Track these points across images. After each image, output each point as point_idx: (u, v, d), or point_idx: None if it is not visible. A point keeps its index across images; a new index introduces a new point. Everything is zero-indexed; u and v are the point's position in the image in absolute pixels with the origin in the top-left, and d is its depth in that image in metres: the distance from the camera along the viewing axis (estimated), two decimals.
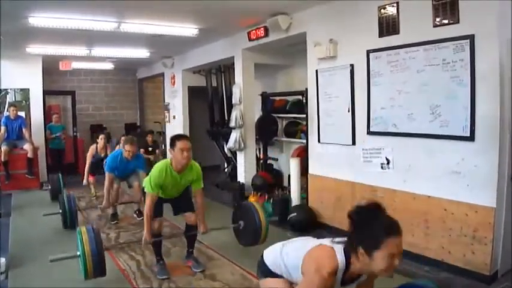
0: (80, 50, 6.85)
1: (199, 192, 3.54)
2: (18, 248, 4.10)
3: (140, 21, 5.03)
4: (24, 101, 7.68)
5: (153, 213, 3.34)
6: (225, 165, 7.82)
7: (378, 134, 3.90)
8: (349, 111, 4.21)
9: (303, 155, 5.48)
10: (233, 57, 6.24)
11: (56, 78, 9.49)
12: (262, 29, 5.29)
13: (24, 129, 7.15)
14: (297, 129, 6.25)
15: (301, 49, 4.94)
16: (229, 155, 7.44)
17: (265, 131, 6.51)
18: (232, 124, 6.14)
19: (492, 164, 3.01)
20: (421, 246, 3.52)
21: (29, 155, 7.01)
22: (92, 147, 6.13)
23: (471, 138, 3.10)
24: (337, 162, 4.42)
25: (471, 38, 3.03)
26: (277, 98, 6.60)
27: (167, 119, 9.10)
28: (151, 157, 7.66)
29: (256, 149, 6.53)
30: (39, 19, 4.65)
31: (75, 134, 9.62)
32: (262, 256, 2.10)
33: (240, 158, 6.38)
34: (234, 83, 6.38)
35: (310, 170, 4.89)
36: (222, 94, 7.40)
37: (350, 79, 4.16)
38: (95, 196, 6.33)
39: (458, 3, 3.10)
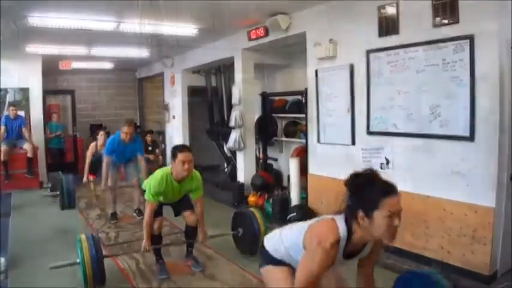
0: (80, 50, 6.84)
1: (199, 200, 3.52)
2: (18, 248, 4.10)
3: (140, 21, 5.02)
4: (23, 101, 7.66)
5: (153, 216, 3.35)
6: (225, 165, 7.82)
7: (377, 134, 3.90)
8: (348, 111, 4.20)
9: (302, 155, 5.48)
10: (233, 57, 6.24)
11: (56, 77, 9.49)
12: (262, 29, 5.29)
13: (23, 129, 7.15)
14: (297, 129, 6.26)
15: (301, 49, 4.94)
16: (229, 154, 7.44)
17: (265, 131, 6.51)
18: (231, 124, 6.14)
19: (492, 164, 3.01)
20: (420, 246, 3.52)
21: (29, 154, 7.01)
22: (92, 145, 6.11)
23: (471, 138, 3.10)
24: (336, 162, 4.42)
25: (471, 38, 3.03)
26: (277, 98, 6.60)
27: (167, 119, 9.11)
28: (150, 156, 7.66)
29: (255, 149, 6.54)
30: (39, 19, 4.64)
31: (74, 133, 9.62)
32: (263, 243, 2.11)
33: (240, 158, 6.38)
34: (234, 83, 6.38)
35: (310, 170, 4.89)
36: (222, 94, 7.40)
37: (350, 79, 4.16)
38: (95, 195, 6.32)
39: (458, 3, 3.10)
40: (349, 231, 1.71)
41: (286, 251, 1.93)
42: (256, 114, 6.53)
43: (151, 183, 3.30)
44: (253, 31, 5.47)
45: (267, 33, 5.27)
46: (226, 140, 6.64)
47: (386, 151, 3.82)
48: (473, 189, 3.13)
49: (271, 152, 6.82)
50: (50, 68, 8.26)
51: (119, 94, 10.64)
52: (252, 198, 5.70)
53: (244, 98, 6.12)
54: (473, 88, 3.06)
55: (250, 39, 5.59)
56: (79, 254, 3.03)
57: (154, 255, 3.53)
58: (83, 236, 3.15)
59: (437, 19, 3.25)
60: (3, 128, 6.97)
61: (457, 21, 3.12)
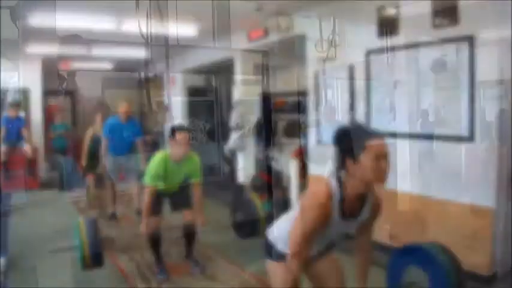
0: (80, 50, 6.84)
1: (197, 185, 3.52)
2: (18, 248, 4.10)
3: (140, 21, 5.02)
4: (23, 101, 7.66)
5: (152, 210, 3.33)
6: (225, 165, 7.81)
7: None
8: (348, 111, 4.21)
9: (302, 155, 5.48)
10: (233, 58, 6.23)
11: (56, 78, 9.47)
12: (262, 29, 5.29)
13: (23, 129, 7.14)
14: (297, 130, 6.25)
15: (301, 49, 4.93)
16: (229, 155, 7.44)
17: (265, 132, 6.51)
18: (231, 124, 6.14)
19: (492, 164, 3.01)
20: None
21: (29, 155, 7.01)
22: (89, 131, 5.58)
23: (471, 138, 3.10)
24: None
25: (471, 38, 3.03)
26: (277, 99, 6.60)
27: (167, 119, 9.09)
28: (148, 138, 7.59)
29: (256, 149, 6.53)
30: (38, 19, 4.64)
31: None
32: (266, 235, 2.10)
33: (240, 158, 6.37)
34: (234, 83, 6.38)
35: (310, 170, 4.88)
36: (222, 94, 7.39)
37: (350, 79, 4.16)
38: (95, 196, 6.24)
39: (458, 4, 3.10)
40: (342, 187, 1.71)
41: (285, 232, 1.89)
42: (256, 114, 6.53)
43: (150, 165, 3.34)
44: (254, 31, 5.47)
45: (267, 34, 5.27)
46: (226, 140, 6.64)
47: None
48: (473, 190, 3.12)
49: (271, 153, 6.81)
50: (50, 68, 8.26)
51: (119, 94, 10.63)
52: None
53: (244, 98, 6.11)
54: (473, 88, 3.05)
55: (250, 39, 5.59)
56: (77, 236, 3.05)
57: (154, 255, 3.52)
58: (81, 219, 3.20)
59: (437, 20, 3.25)
60: (3, 128, 6.96)
61: (457, 22, 3.12)
